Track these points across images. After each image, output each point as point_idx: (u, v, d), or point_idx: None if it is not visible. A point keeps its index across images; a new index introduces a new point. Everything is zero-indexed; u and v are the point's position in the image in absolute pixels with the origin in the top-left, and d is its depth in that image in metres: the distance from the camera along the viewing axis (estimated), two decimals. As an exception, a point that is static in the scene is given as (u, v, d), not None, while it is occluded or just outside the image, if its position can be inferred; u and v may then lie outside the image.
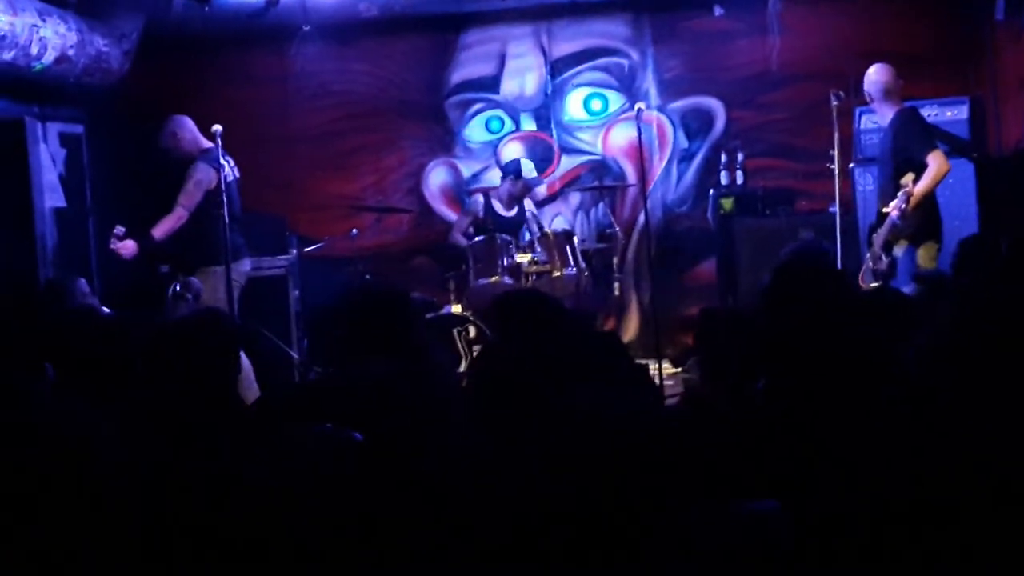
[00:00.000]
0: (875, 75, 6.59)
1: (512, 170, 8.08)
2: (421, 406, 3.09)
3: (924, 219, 6.29)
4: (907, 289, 5.95)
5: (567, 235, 7.57)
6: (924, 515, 2.29)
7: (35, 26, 6.59)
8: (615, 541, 2.18)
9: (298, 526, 2.21)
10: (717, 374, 3.66)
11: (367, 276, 7.50)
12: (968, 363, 2.86)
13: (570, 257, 7.39)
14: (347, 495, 2.31)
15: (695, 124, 8.75)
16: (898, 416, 2.65)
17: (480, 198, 8.24)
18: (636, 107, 7.55)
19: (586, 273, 7.46)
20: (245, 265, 6.98)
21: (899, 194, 6.16)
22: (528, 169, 8.05)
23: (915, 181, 6.15)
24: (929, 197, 6.30)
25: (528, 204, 8.20)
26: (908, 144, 6.31)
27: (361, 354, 3.70)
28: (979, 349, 2.86)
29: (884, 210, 6.33)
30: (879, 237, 6.35)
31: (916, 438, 2.49)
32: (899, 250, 6.33)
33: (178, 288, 6.44)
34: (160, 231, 6.75)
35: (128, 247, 6.67)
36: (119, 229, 6.63)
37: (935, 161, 6.28)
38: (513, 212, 8.10)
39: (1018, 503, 2.25)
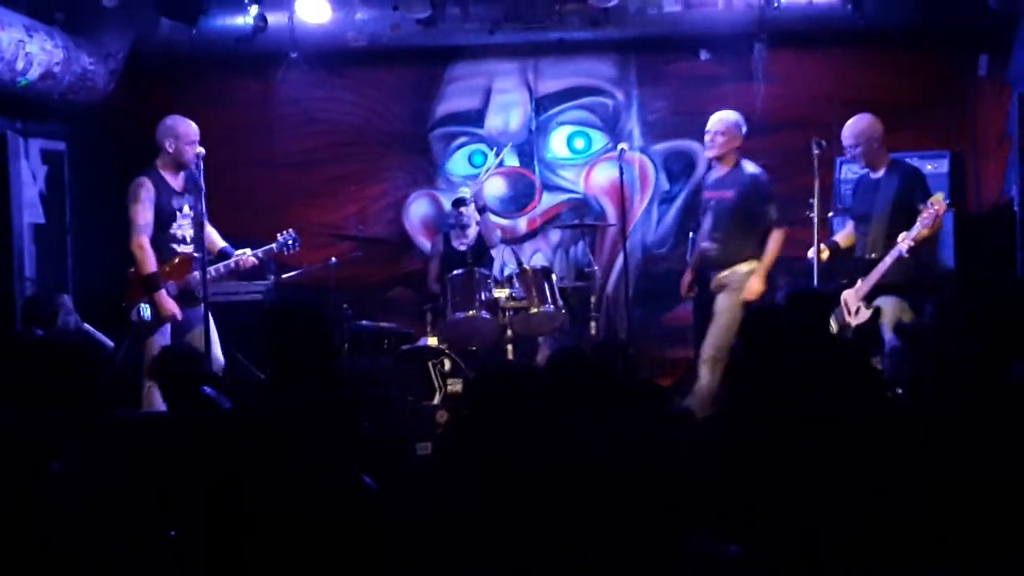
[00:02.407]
0: (867, 127, 6.55)
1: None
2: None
3: (915, 268, 6.27)
4: (889, 339, 5.97)
5: (545, 272, 7.53)
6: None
7: (21, 41, 6.58)
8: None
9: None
10: None
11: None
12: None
13: (548, 294, 7.37)
14: None
15: (677, 166, 8.78)
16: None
17: (439, 239, 8.27)
18: (619, 147, 7.58)
19: (564, 311, 7.43)
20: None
21: (920, 218, 6.09)
22: (459, 194, 8.10)
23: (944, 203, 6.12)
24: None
25: (489, 232, 8.15)
26: (915, 196, 6.27)
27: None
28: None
29: (874, 255, 6.31)
30: (865, 284, 6.32)
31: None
32: (884, 301, 6.29)
33: (141, 312, 6.35)
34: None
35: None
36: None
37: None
38: (465, 242, 8.02)
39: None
